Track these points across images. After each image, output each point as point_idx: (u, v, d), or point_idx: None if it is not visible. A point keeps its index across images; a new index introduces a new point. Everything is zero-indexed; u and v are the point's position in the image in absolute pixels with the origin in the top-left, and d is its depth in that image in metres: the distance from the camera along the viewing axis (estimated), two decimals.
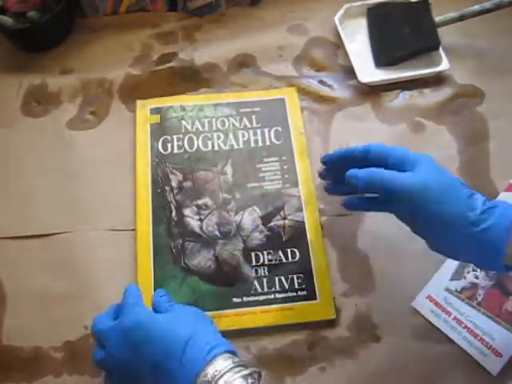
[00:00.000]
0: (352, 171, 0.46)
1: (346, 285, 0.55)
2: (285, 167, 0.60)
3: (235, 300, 0.53)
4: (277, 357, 0.51)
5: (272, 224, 0.57)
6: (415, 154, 0.46)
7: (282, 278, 0.54)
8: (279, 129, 0.63)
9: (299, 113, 0.64)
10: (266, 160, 0.61)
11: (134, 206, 0.58)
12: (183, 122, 0.63)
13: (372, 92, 0.66)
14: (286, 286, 0.54)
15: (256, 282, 0.54)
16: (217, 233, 0.57)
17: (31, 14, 0.67)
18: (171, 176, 0.60)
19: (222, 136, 0.63)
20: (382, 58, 0.68)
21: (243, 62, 0.69)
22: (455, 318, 0.52)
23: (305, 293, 0.53)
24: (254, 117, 0.64)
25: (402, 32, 0.68)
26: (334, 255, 0.56)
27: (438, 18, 0.67)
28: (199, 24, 0.73)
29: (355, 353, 0.51)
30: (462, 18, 0.67)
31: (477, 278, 0.54)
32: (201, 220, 0.57)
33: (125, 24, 0.73)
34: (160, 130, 0.63)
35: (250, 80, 0.68)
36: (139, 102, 0.65)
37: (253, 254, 0.56)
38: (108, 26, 0.73)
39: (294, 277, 0.54)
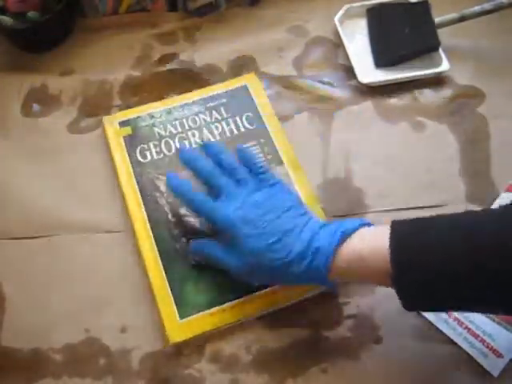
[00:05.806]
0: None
1: (347, 285, 0.54)
2: (265, 149, 0.61)
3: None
4: (277, 357, 0.51)
5: None
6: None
7: None
8: (250, 114, 0.63)
9: (265, 96, 0.65)
10: (245, 146, 0.60)
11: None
12: (155, 129, 0.63)
13: (372, 92, 0.66)
14: None
15: None
16: None
17: (31, 14, 0.66)
18: (157, 181, 0.59)
19: (197, 133, 0.62)
20: (382, 59, 0.68)
21: (243, 63, 0.69)
22: (456, 319, 0.52)
23: None
24: (222, 108, 0.64)
25: (402, 32, 0.68)
26: None
27: (437, 19, 0.67)
28: (199, 24, 0.73)
29: (356, 354, 0.51)
30: (462, 19, 0.67)
31: None
32: (199, 216, 0.56)
33: (125, 24, 0.73)
34: (134, 140, 0.62)
35: None
36: (105, 119, 0.64)
37: None
38: (108, 26, 0.73)
39: None
